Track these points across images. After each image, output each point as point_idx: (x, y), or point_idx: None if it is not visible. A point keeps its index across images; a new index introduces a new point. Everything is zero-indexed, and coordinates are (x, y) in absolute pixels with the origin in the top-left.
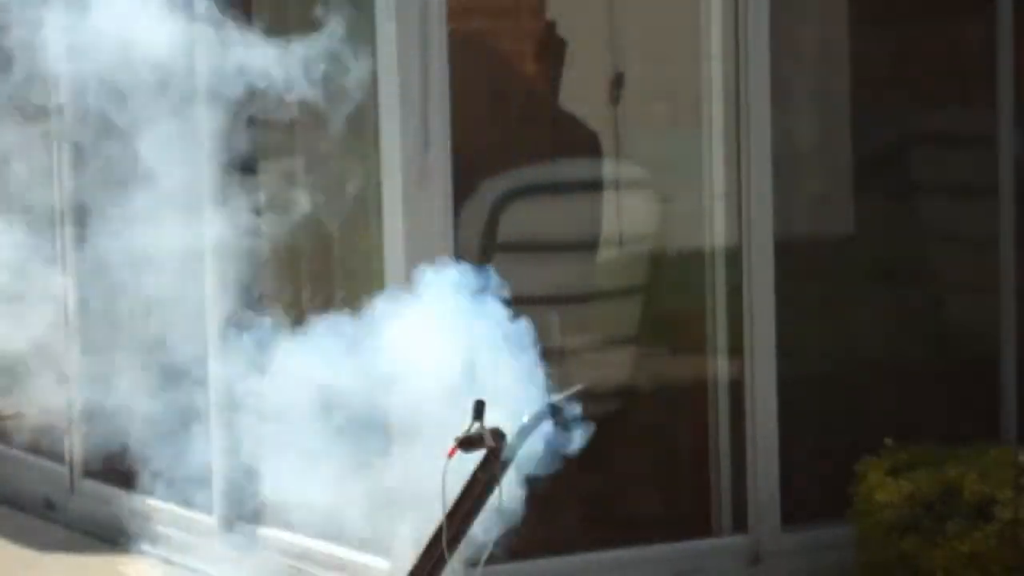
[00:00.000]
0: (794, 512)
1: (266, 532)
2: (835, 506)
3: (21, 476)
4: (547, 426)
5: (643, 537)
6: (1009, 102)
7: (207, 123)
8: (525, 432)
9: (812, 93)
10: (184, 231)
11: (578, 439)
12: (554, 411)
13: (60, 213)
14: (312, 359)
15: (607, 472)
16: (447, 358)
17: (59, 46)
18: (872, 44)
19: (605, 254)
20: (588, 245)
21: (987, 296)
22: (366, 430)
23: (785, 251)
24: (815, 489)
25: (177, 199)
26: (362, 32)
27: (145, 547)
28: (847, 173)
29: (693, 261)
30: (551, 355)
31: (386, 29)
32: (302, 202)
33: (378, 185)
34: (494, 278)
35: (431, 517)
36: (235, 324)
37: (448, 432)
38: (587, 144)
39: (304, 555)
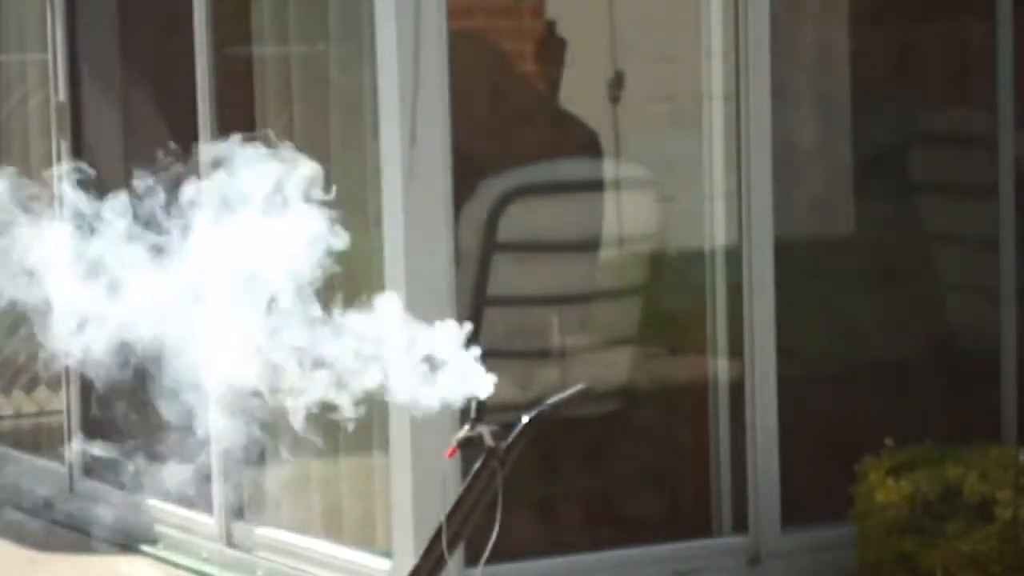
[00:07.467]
0: (794, 512)
1: (266, 532)
2: (835, 506)
3: (21, 476)
4: None
5: (643, 537)
6: (1009, 102)
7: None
8: (526, 431)
9: (812, 93)
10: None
11: None
12: (553, 412)
13: None
14: None
15: (607, 472)
16: None
17: None
18: (872, 44)
19: (605, 254)
20: (588, 245)
21: (987, 296)
22: None
23: (785, 251)
24: (815, 489)
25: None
26: (362, 32)
27: (145, 547)
28: (847, 173)
29: (693, 261)
30: (551, 355)
31: (386, 29)
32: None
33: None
34: None
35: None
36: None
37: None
38: (587, 144)
39: (304, 555)
